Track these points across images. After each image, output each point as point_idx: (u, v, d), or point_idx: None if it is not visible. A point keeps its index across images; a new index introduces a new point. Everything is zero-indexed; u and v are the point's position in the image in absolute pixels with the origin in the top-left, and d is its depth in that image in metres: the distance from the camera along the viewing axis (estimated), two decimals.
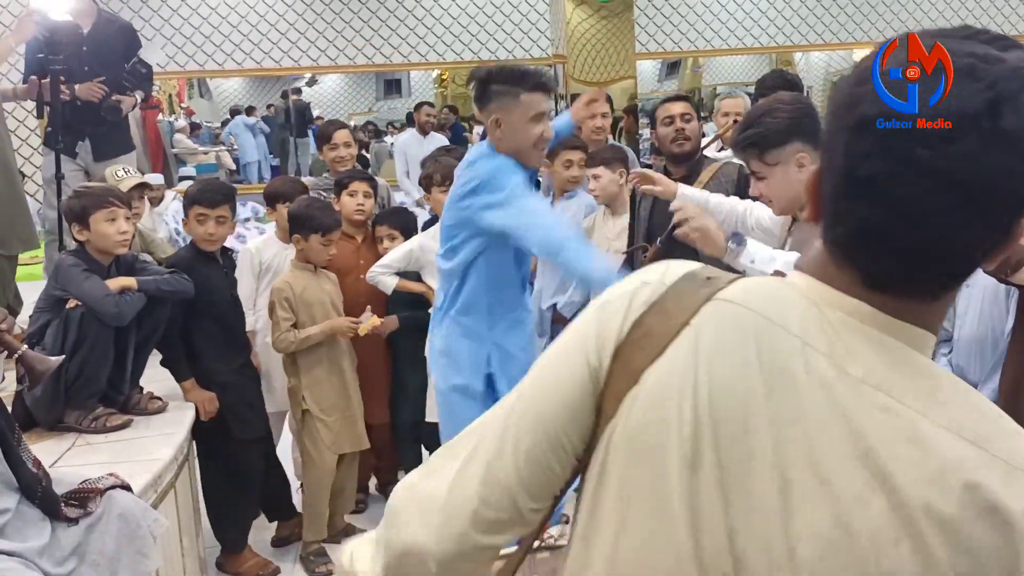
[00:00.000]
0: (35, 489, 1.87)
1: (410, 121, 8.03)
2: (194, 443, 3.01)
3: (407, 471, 3.52)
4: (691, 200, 2.72)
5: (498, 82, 2.44)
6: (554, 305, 3.67)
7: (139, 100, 4.20)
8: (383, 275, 3.40)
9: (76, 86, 3.85)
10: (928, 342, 0.73)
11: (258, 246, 3.66)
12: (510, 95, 2.41)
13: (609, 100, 4.69)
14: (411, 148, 6.41)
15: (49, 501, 1.89)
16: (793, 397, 0.70)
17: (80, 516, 1.94)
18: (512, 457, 0.79)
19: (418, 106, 6.83)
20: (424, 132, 6.47)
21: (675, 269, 0.79)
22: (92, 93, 3.91)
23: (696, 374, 0.71)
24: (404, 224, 3.64)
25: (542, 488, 0.80)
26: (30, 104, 4.27)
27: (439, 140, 6.42)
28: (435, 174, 3.47)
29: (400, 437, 3.61)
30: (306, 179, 4.17)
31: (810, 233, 1.92)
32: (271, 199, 3.64)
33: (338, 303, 3.29)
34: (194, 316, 2.96)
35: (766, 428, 0.70)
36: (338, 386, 3.24)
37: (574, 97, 5.62)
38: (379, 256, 3.50)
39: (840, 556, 0.67)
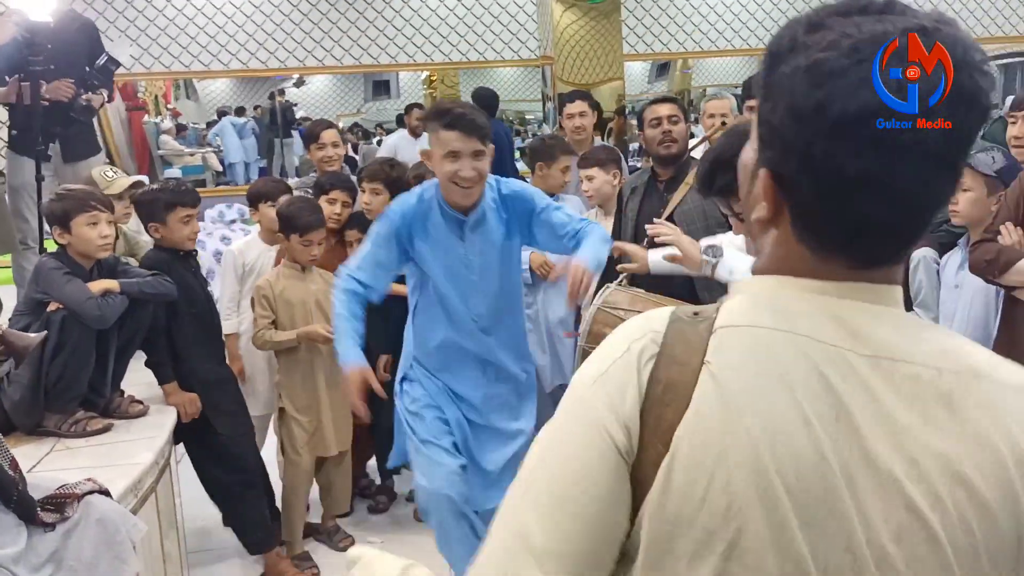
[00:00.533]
0: (11, 492, 1.84)
1: (399, 123, 8.01)
2: (178, 448, 2.99)
3: (385, 471, 3.47)
4: (660, 265, 2.76)
5: (428, 118, 2.55)
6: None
7: (105, 98, 4.15)
8: None
9: (44, 84, 3.78)
10: (900, 293, 0.77)
11: (241, 248, 3.64)
12: (433, 131, 2.47)
13: (592, 99, 4.67)
14: (402, 150, 6.38)
15: (25, 505, 1.86)
16: (833, 399, 0.69)
17: (57, 521, 1.91)
18: None
19: (409, 108, 6.80)
20: (415, 134, 6.45)
21: (655, 317, 0.77)
22: (61, 92, 3.85)
23: (729, 425, 0.68)
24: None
25: None
26: None
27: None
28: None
29: (380, 438, 3.56)
30: (292, 180, 4.14)
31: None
32: (254, 199, 3.62)
33: (327, 304, 3.26)
34: (175, 317, 2.94)
35: (823, 442, 0.68)
36: (311, 390, 3.24)
37: (561, 98, 5.63)
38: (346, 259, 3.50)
39: (922, 538, 0.69)
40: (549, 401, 3.39)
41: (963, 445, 0.70)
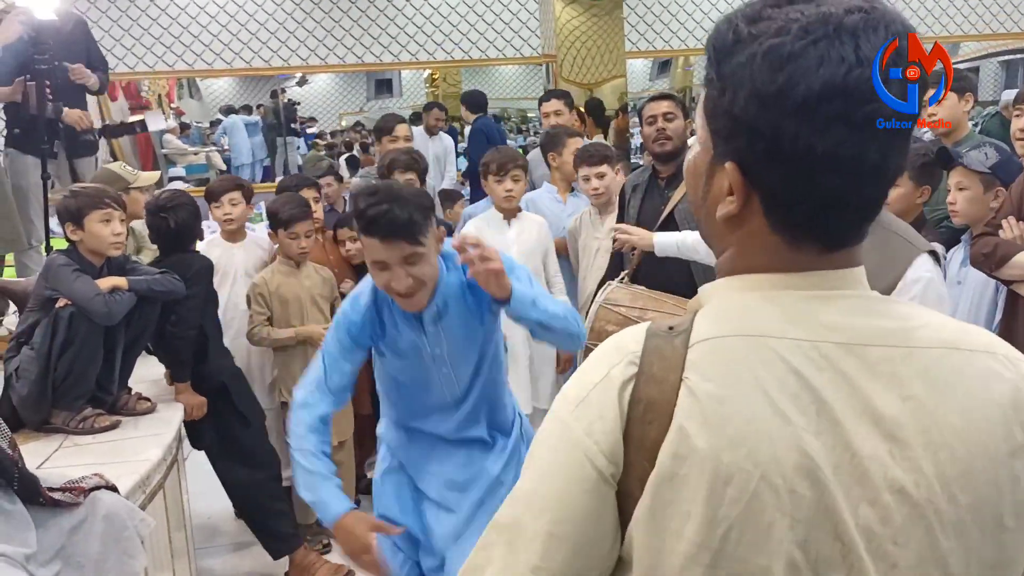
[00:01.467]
0: (11, 471, 1.85)
1: (415, 120, 8.02)
2: (185, 444, 3.02)
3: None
4: (667, 244, 2.80)
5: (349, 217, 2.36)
6: None
7: (97, 86, 4.13)
8: None
9: (64, 109, 3.83)
10: (863, 274, 0.78)
11: (203, 248, 3.57)
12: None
13: (568, 98, 4.63)
14: (418, 146, 6.40)
15: (27, 484, 1.87)
16: (811, 395, 0.71)
17: (64, 499, 1.91)
18: None
19: (428, 107, 6.80)
20: (432, 133, 6.47)
21: (629, 336, 0.77)
22: (76, 121, 3.89)
23: (711, 437, 0.70)
24: None
25: None
26: None
27: (446, 140, 6.42)
28: (492, 163, 3.42)
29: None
30: (356, 177, 3.96)
31: None
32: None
33: (322, 300, 3.28)
34: (206, 318, 3.02)
35: (811, 445, 0.70)
36: None
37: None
38: (342, 256, 3.52)
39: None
40: None
41: (943, 417, 0.72)
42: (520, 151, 3.90)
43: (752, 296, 0.76)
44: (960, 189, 2.59)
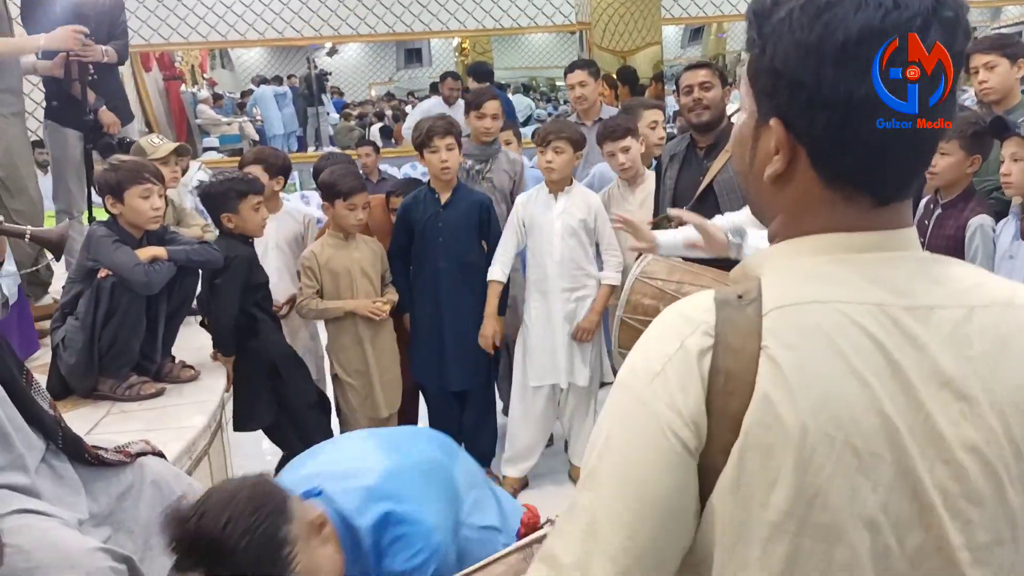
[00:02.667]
0: (56, 431, 1.89)
1: (433, 90, 7.99)
2: (227, 409, 3.07)
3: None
4: (670, 244, 2.70)
5: None
6: None
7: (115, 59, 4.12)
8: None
9: (103, 106, 3.85)
10: (916, 235, 0.80)
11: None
12: None
13: (594, 67, 4.53)
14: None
15: (71, 442, 1.91)
16: (885, 358, 0.72)
17: (113, 459, 1.95)
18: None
19: (443, 77, 6.78)
20: (449, 103, 6.44)
21: (695, 306, 0.77)
22: (111, 127, 3.91)
23: (796, 404, 0.70)
24: None
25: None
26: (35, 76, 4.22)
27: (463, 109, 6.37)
28: (535, 134, 3.36)
29: (434, 402, 3.57)
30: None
31: None
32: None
33: (372, 272, 3.30)
34: (258, 292, 3.06)
35: (890, 410, 0.71)
36: (359, 354, 3.30)
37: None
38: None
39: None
40: None
41: (1006, 374, 0.74)
42: (570, 122, 3.74)
43: (817, 261, 0.76)
44: (1016, 160, 2.51)
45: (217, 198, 3.04)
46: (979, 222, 2.61)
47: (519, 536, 1.53)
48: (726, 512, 0.73)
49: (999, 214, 2.68)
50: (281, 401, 3.08)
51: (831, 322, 0.72)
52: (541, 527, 1.52)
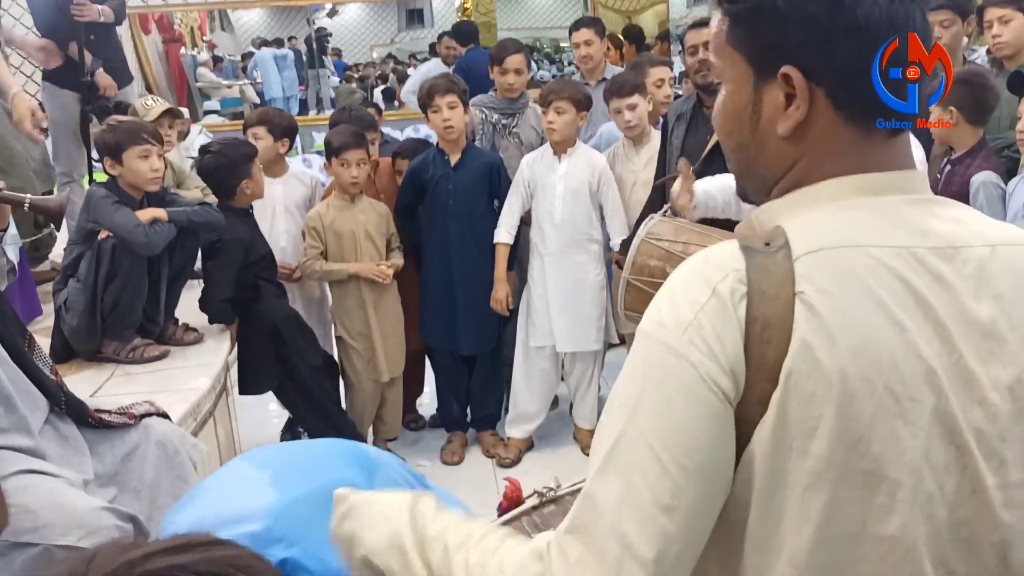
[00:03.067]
0: (58, 395, 1.89)
1: (433, 52, 7.89)
2: (232, 372, 3.08)
3: (444, 405, 3.50)
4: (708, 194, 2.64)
5: None
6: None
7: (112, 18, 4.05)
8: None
9: (101, 68, 3.78)
10: (927, 178, 0.82)
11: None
12: None
13: (600, 26, 4.42)
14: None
15: (74, 406, 1.91)
16: (918, 300, 0.72)
17: (117, 422, 1.95)
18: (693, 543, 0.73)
19: (440, 37, 6.68)
20: (447, 63, 6.35)
21: (725, 251, 0.74)
22: (107, 90, 3.85)
23: (836, 350, 0.69)
24: None
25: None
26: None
27: None
28: (551, 93, 3.25)
29: (442, 365, 3.55)
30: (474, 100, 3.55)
31: None
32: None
33: (377, 236, 3.27)
34: (259, 265, 3.05)
35: (926, 349, 0.71)
36: (363, 317, 3.29)
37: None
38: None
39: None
40: None
41: None
42: (574, 82, 3.62)
43: (838, 207, 0.76)
44: None
45: (231, 168, 3.00)
46: (983, 179, 2.56)
47: (501, 510, 1.47)
48: (765, 463, 0.71)
49: (1013, 172, 2.64)
50: (285, 364, 3.08)
51: (863, 266, 0.71)
52: (526, 500, 1.46)
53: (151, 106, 3.69)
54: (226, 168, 3.02)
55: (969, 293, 0.73)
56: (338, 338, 3.35)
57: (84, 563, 0.49)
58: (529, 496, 1.38)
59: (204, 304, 2.99)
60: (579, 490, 1.20)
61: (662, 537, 0.70)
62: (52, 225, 3.55)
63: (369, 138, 3.42)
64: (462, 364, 3.49)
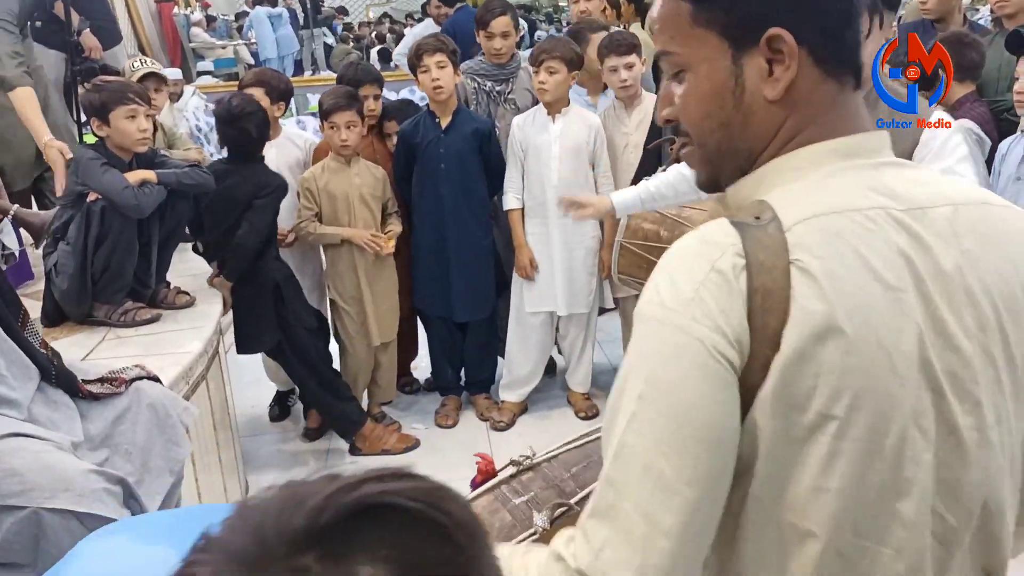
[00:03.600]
0: (49, 369, 1.89)
1: (425, 12, 7.77)
2: (227, 337, 3.09)
3: (437, 370, 3.53)
4: (629, 202, 2.62)
5: None
6: None
7: None
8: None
9: (87, 29, 3.72)
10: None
11: None
12: None
13: None
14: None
15: (65, 378, 1.91)
16: (902, 259, 0.76)
17: (103, 392, 1.95)
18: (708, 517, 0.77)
19: None
20: (439, 23, 6.25)
21: (718, 229, 0.77)
22: (92, 52, 3.79)
23: (833, 311, 0.72)
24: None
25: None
26: None
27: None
28: (542, 52, 3.19)
29: (435, 330, 3.55)
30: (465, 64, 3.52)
31: None
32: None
33: (371, 200, 3.25)
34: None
35: (912, 308, 0.76)
36: (355, 281, 3.28)
37: None
38: (389, 151, 3.44)
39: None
40: None
41: (995, 265, 0.80)
42: (565, 39, 3.54)
43: (819, 173, 0.79)
44: None
45: (263, 125, 3.03)
46: (957, 125, 2.52)
47: (474, 484, 1.47)
48: (767, 424, 0.74)
49: (1008, 135, 2.60)
50: (283, 324, 3.09)
51: (851, 230, 0.75)
52: (500, 472, 1.46)
53: (137, 68, 3.67)
54: (259, 127, 3.03)
55: (941, 249, 0.78)
56: (331, 301, 3.35)
57: (292, 495, 0.48)
58: (505, 467, 1.38)
59: (235, 251, 2.99)
60: (555, 456, 1.20)
61: (685, 511, 0.73)
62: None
63: (372, 94, 3.39)
64: (455, 329, 3.48)
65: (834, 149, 0.79)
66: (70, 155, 2.96)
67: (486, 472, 1.44)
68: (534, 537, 1.11)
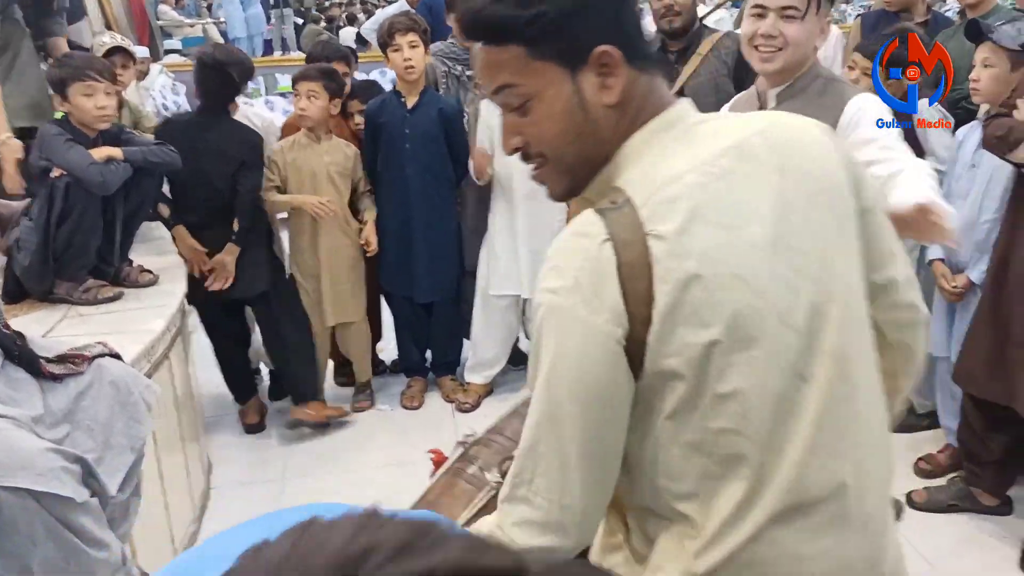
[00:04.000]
0: (11, 347, 1.87)
1: None
2: (192, 318, 3.08)
3: (404, 353, 3.54)
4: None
5: None
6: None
7: None
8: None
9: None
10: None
11: None
12: None
13: None
14: None
15: (28, 358, 1.90)
16: (731, 204, 0.91)
17: (65, 373, 1.94)
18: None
19: None
20: (413, 4, 6.20)
21: (585, 220, 0.91)
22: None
23: (688, 263, 0.87)
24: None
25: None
26: None
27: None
28: None
29: (400, 311, 3.56)
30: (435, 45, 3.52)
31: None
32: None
33: (339, 177, 3.25)
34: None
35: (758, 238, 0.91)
36: (312, 259, 3.30)
37: None
38: (352, 130, 3.43)
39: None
40: None
41: (805, 167, 0.94)
42: None
43: (654, 151, 0.93)
44: (986, 66, 2.45)
45: (245, 75, 3.14)
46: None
47: (433, 474, 1.51)
48: (654, 367, 0.89)
49: (965, 124, 2.65)
50: (273, 268, 3.24)
51: (687, 193, 0.89)
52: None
53: (105, 43, 3.63)
54: (246, 73, 3.13)
55: (761, 175, 0.92)
56: (290, 276, 3.36)
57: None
58: (454, 450, 1.42)
59: (242, 214, 3.08)
60: (494, 426, 1.27)
61: (593, 477, 0.92)
62: None
63: (339, 71, 3.37)
64: (421, 310, 3.49)
65: (655, 128, 0.94)
66: (21, 155, 2.91)
67: (439, 463, 1.49)
68: (492, 493, 1.21)
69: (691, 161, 0.91)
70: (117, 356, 2.10)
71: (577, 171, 0.97)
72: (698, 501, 0.92)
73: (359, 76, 4.12)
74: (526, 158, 0.99)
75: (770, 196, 0.91)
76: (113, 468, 1.98)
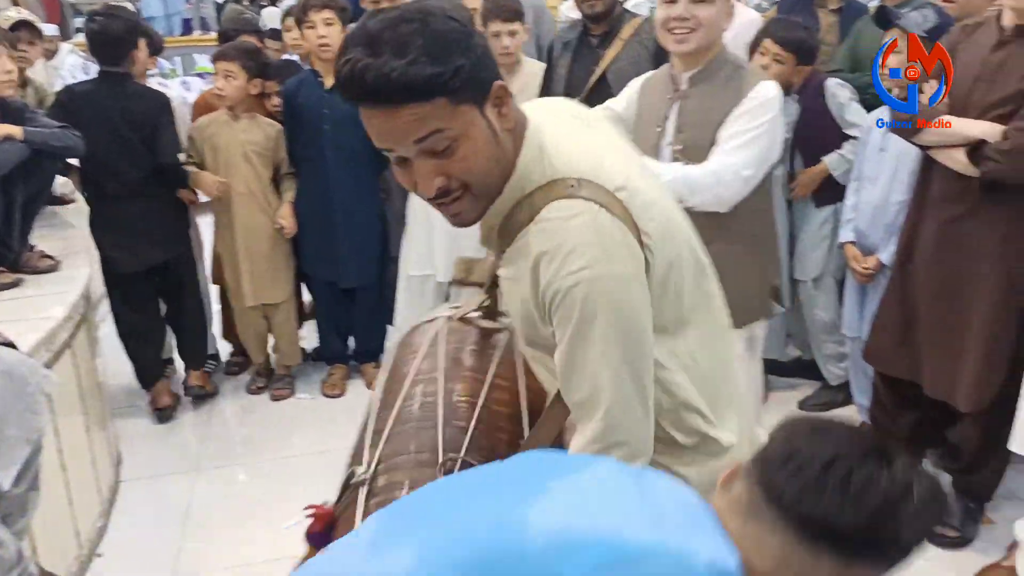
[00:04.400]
0: None
1: None
2: (102, 307, 2.99)
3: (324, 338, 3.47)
4: None
5: None
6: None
7: None
8: None
9: None
10: None
11: None
12: None
13: None
14: None
15: None
16: (640, 173, 1.19)
17: None
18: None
19: None
20: None
21: (563, 206, 1.06)
22: None
23: (646, 220, 1.11)
24: None
25: None
26: None
27: None
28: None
29: (321, 295, 3.51)
30: None
31: None
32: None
33: (255, 156, 3.19)
34: None
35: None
36: (231, 239, 3.26)
37: None
38: (267, 111, 3.37)
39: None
40: None
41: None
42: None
43: (550, 148, 1.11)
44: (896, 52, 2.51)
45: (131, 29, 3.06)
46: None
47: (311, 534, 1.31)
48: (660, 289, 1.14)
49: (873, 108, 2.71)
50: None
51: (607, 157, 1.13)
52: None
53: (10, 16, 3.50)
54: (131, 28, 3.05)
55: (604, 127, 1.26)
56: (217, 254, 3.35)
57: None
58: (340, 492, 1.35)
59: (163, 166, 3.05)
60: (391, 452, 1.27)
61: (649, 403, 1.13)
62: None
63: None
64: (343, 296, 3.43)
65: (533, 133, 1.11)
66: None
67: (322, 520, 1.29)
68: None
69: (579, 139, 1.12)
70: (11, 345, 2.01)
71: (492, 193, 1.10)
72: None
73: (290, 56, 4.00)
74: (444, 195, 1.07)
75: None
76: (7, 461, 1.89)
